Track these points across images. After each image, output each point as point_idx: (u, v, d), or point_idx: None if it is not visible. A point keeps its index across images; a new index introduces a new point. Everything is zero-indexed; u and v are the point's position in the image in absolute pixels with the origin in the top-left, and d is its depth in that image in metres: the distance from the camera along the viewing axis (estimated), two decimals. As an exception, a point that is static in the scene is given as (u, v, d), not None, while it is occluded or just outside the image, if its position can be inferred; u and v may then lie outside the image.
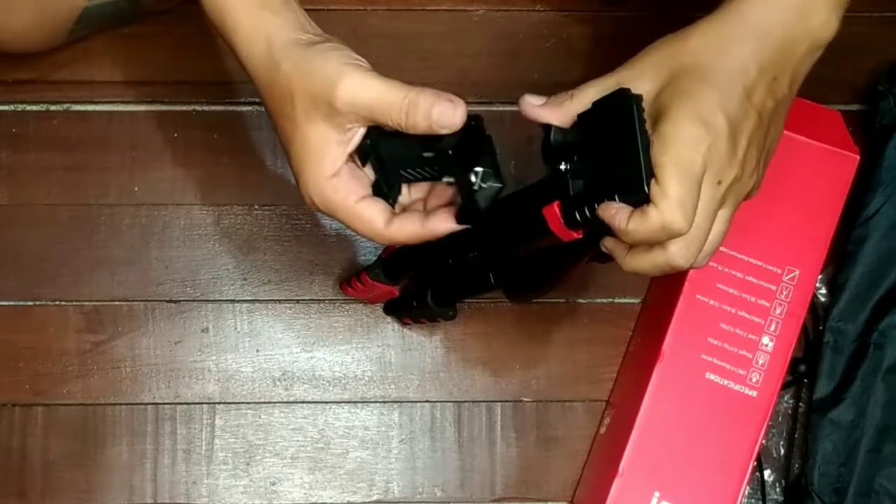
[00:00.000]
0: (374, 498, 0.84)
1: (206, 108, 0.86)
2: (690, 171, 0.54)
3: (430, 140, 0.59)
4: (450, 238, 0.70)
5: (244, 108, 0.86)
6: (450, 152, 0.59)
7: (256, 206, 0.85)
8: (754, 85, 0.57)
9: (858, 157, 0.77)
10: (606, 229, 0.57)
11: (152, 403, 0.83)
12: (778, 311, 0.76)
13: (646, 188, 0.54)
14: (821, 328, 0.83)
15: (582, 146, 0.57)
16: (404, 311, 0.80)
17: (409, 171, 0.62)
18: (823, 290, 0.84)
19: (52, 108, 0.85)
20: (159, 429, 0.83)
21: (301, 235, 0.85)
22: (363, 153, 0.61)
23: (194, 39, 0.86)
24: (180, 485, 0.83)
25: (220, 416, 0.83)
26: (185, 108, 0.86)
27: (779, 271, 0.77)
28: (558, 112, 0.59)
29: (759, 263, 0.77)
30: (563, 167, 0.57)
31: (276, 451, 0.83)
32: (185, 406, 0.83)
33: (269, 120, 0.63)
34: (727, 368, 0.76)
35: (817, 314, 0.83)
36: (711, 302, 0.76)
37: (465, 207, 0.61)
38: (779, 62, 0.58)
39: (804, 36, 0.59)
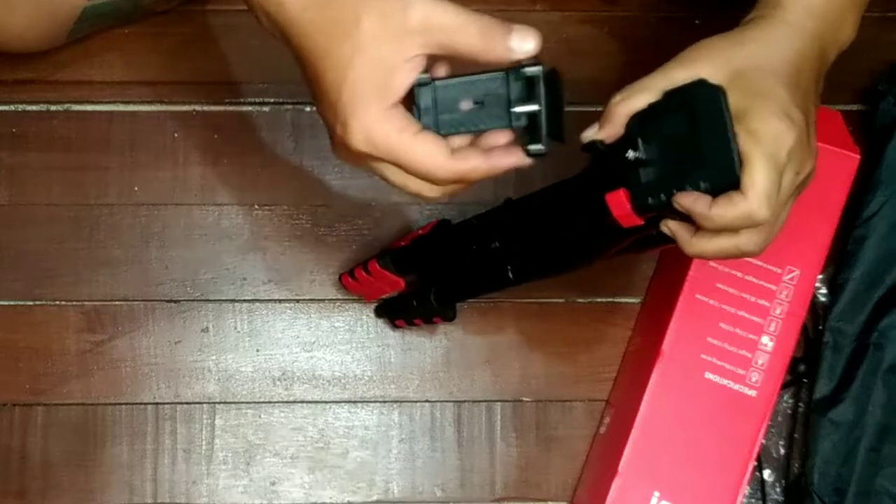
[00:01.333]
0: (374, 498, 0.84)
1: (206, 108, 0.86)
2: (777, 164, 0.57)
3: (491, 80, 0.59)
4: (480, 224, 0.71)
5: (244, 108, 0.86)
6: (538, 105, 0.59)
7: (256, 206, 0.85)
8: (809, 85, 0.61)
9: (858, 157, 0.77)
10: (675, 215, 0.58)
11: (152, 403, 0.83)
12: (778, 311, 0.76)
13: (738, 174, 0.56)
14: (821, 328, 0.83)
15: (650, 134, 0.58)
16: (399, 312, 0.80)
17: (457, 119, 0.60)
18: (823, 290, 0.84)
19: (52, 108, 0.85)
20: (159, 429, 0.83)
21: (301, 235, 0.85)
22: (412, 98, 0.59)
23: (194, 39, 0.86)
24: (180, 485, 0.83)
25: (220, 416, 0.83)
26: (185, 108, 0.86)
27: (779, 271, 0.77)
28: (615, 124, 0.60)
29: (759, 263, 0.76)
30: (631, 155, 0.58)
31: (276, 450, 0.84)
32: (185, 406, 0.84)
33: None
34: (727, 368, 0.76)
35: (817, 314, 0.83)
36: (711, 302, 0.76)
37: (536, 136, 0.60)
38: (820, 66, 0.62)
39: (834, 44, 0.63)
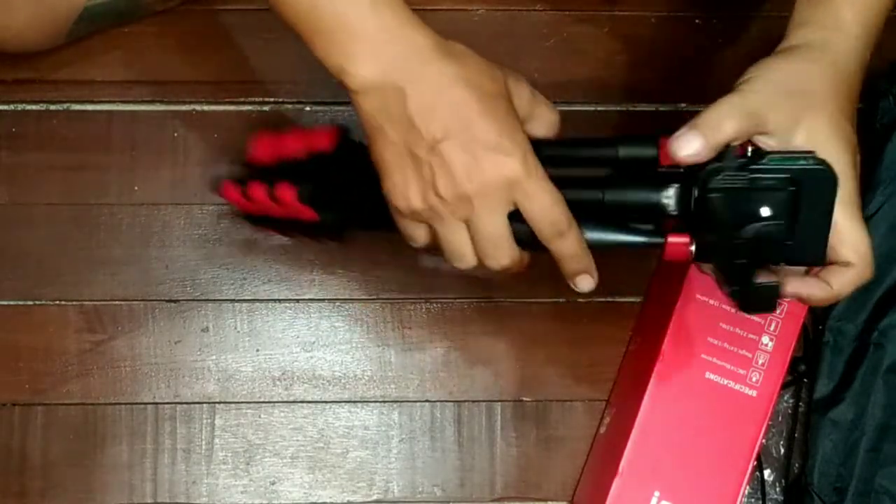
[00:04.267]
0: (374, 497, 0.84)
1: (206, 108, 0.86)
2: (861, 217, 0.62)
3: None
4: None
5: (244, 108, 0.86)
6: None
7: (256, 206, 0.85)
8: (853, 116, 0.64)
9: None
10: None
11: (152, 403, 0.83)
12: (778, 311, 0.76)
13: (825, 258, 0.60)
14: (821, 328, 0.83)
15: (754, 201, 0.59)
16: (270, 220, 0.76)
17: None
18: (823, 290, 0.84)
19: (52, 107, 0.85)
20: (159, 428, 0.83)
21: (301, 235, 0.85)
22: None
23: (194, 39, 0.86)
24: (180, 484, 0.83)
25: (220, 416, 0.83)
26: (185, 108, 0.85)
27: (779, 271, 0.77)
28: (706, 148, 0.60)
29: (759, 263, 0.76)
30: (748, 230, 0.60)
31: (276, 450, 0.83)
32: (185, 406, 0.83)
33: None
34: (727, 368, 0.76)
35: (817, 314, 0.83)
36: (711, 302, 0.76)
37: None
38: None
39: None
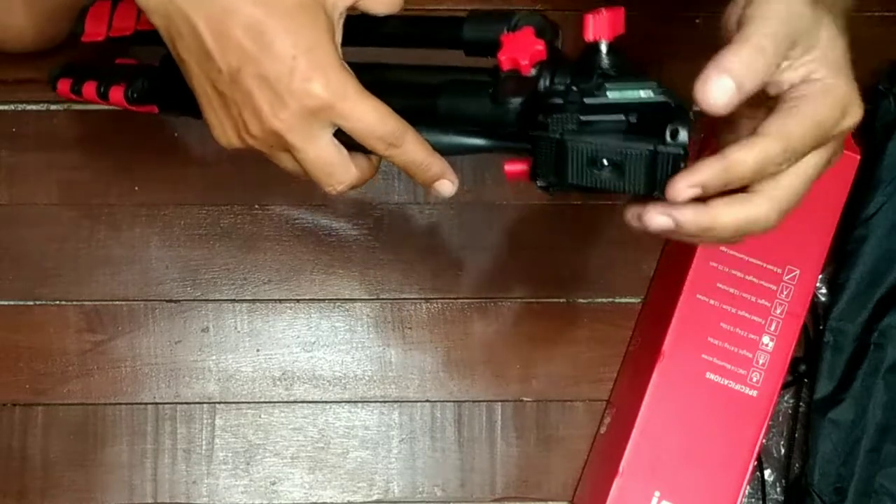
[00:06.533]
0: (375, 498, 0.84)
1: (206, 107, 0.86)
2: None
3: None
4: None
5: (244, 108, 0.85)
6: None
7: (256, 206, 0.85)
8: None
9: (858, 157, 0.77)
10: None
11: (152, 403, 0.83)
12: (778, 311, 0.76)
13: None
14: (821, 328, 0.83)
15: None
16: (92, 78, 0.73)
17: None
18: (823, 290, 0.84)
19: (52, 107, 0.85)
20: (159, 428, 0.83)
21: (301, 235, 0.85)
22: None
23: (194, 39, 0.86)
24: (180, 484, 0.83)
25: (221, 416, 0.83)
26: (185, 107, 0.85)
27: (779, 271, 0.77)
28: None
29: (760, 263, 0.77)
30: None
31: (276, 450, 0.83)
32: (185, 406, 0.83)
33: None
34: (727, 368, 0.76)
35: (817, 314, 0.83)
36: (711, 302, 0.76)
37: None
38: None
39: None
